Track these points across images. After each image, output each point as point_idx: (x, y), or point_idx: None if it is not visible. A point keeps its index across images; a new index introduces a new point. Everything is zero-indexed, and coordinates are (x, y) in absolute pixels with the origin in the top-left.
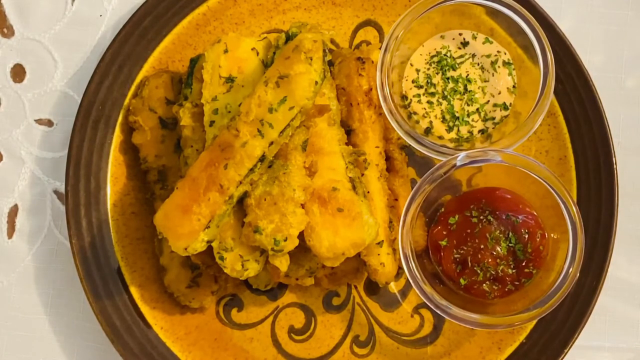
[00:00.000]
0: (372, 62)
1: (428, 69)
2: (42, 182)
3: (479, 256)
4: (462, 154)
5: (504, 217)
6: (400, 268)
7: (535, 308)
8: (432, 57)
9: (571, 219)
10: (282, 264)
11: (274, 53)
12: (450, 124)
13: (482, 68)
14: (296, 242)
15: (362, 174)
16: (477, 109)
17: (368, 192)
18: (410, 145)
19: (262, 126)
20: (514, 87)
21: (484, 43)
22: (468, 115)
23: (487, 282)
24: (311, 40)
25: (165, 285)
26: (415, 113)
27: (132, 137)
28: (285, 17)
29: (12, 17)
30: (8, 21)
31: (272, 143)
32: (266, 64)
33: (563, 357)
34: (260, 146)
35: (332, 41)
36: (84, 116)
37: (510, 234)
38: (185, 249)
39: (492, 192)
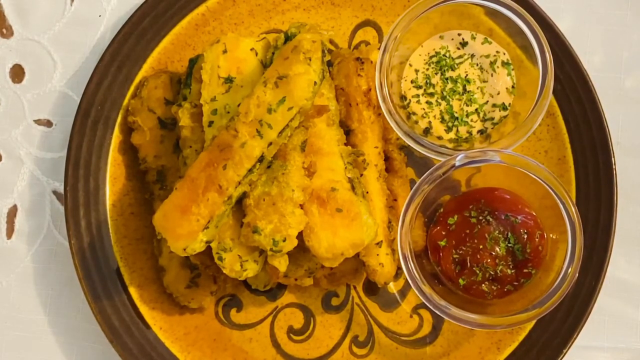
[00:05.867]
0: (371, 62)
1: (427, 69)
2: (41, 182)
3: (478, 256)
4: (461, 154)
5: (503, 218)
6: (399, 268)
7: (534, 308)
8: (431, 57)
9: (570, 219)
10: (281, 264)
11: (273, 53)
12: (450, 124)
13: (481, 68)
14: (295, 242)
15: (361, 175)
16: (476, 109)
17: (367, 192)
18: (409, 145)
19: (261, 127)
20: (513, 87)
21: (483, 43)
22: (467, 116)
23: (486, 283)
24: (310, 41)
25: (165, 285)
26: (414, 113)
27: (131, 137)
28: (284, 18)
29: (11, 17)
30: (7, 21)
31: (270, 143)
32: (265, 65)
33: (562, 358)
34: (259, 147)
35: (331, 41)
36: (83, 116)
37: (509, 234)
38: (184, 249)
39: (491, 193)
